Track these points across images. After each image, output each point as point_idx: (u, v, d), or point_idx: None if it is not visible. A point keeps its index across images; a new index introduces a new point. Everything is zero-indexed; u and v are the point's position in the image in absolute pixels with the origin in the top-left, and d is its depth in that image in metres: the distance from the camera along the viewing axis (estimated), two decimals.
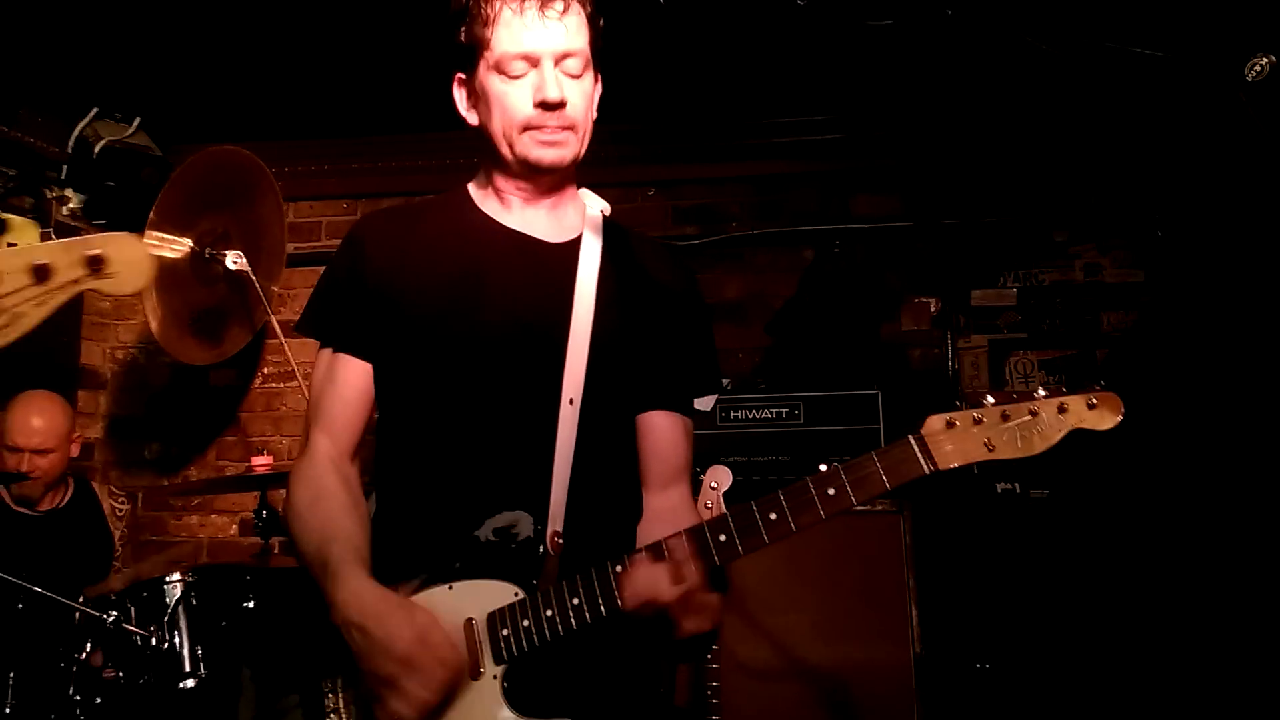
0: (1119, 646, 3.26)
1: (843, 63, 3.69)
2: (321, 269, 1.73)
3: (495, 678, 1.46)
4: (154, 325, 3.98)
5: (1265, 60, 0.91)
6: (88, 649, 2.91)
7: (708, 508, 2.71)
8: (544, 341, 1.58)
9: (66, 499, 3.68)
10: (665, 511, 1.66)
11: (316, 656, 1.56)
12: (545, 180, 1.64)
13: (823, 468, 1.41)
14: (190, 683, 2.96)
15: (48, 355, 4.38)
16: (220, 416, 4.65)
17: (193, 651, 3.00)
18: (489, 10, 1.54)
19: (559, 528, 1.52)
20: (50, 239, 4.37)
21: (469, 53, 1.58)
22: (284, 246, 4.05)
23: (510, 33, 1.53)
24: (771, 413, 3.67)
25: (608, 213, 1.74)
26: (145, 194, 4.08)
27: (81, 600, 2.88)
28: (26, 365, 4.13)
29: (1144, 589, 3.26)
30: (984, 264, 4.14)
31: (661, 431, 1.69)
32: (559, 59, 1.54)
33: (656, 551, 1.44)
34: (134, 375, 4.73)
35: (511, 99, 1.55)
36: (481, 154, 1.68)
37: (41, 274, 1.05)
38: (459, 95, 1.65)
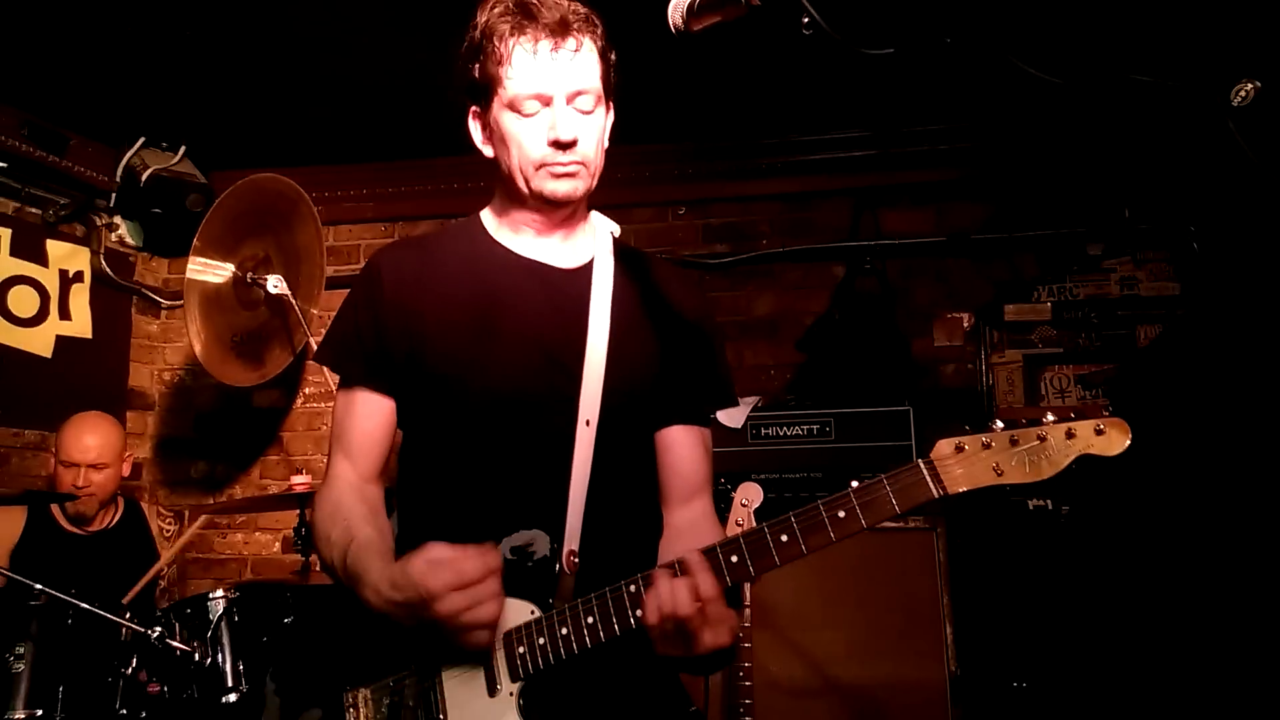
0: (1159, 666, 3.18)
1: (871, 78, 3.70)
2: None
3: (512, 695, 1.48)
4: (197, 348, 4.09)
5: (1250, 86, 0.92)
6: (134, 664, 3.00)
7: (739, 524, 2.71)
8: (560, 365, 1.61)
9: (116, 519, 3.79)
10: (687, 525, 1.68)
11: (340, 669, 1.60)
12: (559, 212, 1.67)
13: (854, 484, 1.42)
14: (232, 697, 3.02)
15: (98, 379, 4.52)
16: (263, 436, 4.76)
17: (234, 667, 3.06)
18: (502, 49, 1.56)
19: (575, 547, 1.55)
20: (100, 265, 4.53)
21: (483, 89, 1.61)
22: (323, 270, 4.15)
23: (523, 72, 1.55)
24: (803, 429, 3.67)
25: (618, 234, 1.78)
26: (190, 221, 4.17)
27: (128, 616, 2.96)
28: (78, 388, 4.28)
29: (1183, 607, 3.18)
30: (1018, 279, 4.10)
31: (680, 447, 1.72)
32: (571, 97, 1.57)
33: (671, 569, 1.46)
34: (181, 397, 4.87)
35: (526, 137, 1.58)
36: (496, 183, 1.72)
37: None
38: (474, 127, 1.68)
